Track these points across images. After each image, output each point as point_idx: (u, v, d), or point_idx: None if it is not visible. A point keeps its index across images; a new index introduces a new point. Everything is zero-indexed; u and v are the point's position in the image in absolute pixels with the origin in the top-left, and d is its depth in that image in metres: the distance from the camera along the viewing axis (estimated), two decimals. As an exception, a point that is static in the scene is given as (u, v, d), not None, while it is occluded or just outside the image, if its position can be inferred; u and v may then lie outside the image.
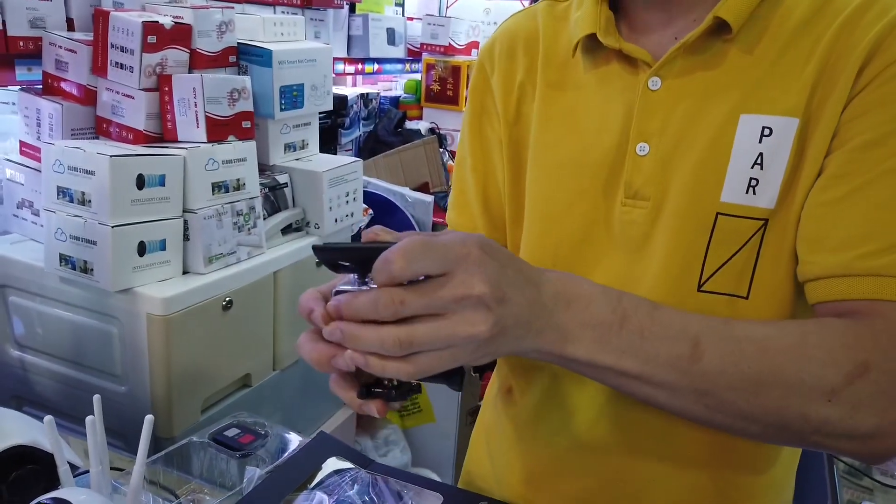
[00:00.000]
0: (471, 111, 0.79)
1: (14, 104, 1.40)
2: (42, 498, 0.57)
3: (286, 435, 0.84)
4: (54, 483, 0.65)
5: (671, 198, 0.64)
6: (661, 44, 0.65)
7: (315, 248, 0.47)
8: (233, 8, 1.29)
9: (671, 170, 0.64)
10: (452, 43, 2.68)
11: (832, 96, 0.58)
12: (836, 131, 0.58)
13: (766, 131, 0.60)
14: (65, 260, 1.07)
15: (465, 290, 0.45)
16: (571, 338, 0.52)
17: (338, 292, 0.47)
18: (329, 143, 2.20)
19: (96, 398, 0.65)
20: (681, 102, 0.64)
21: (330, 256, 0.48)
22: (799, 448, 0.73)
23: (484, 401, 0.89)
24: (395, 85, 2.99)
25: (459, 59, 2.67)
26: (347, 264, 0.48)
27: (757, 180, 0.60)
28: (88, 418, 0.61)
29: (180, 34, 1.19)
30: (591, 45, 0.68)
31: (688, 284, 0.63)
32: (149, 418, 0.63)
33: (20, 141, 1.22)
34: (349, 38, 2.37)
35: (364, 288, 0.46)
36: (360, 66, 2.41)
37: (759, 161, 0.60)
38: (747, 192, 0.60)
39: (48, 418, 0.61)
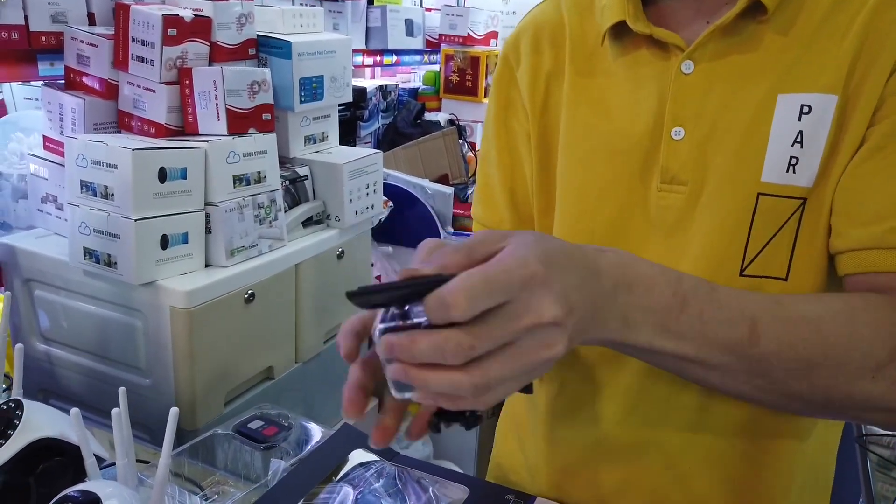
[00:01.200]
0: (495, 105, 0.78)
1: (37, 99, 1.41)
2: (69, 490, 0.57)
3: (309, 427, 0.84)
4: (81, 475, 0.65)
5: (710, 181, 0.63)
6: (692, 30, 0.65)
7: (350, 295, 0.41)
8: (252, 0, 1.29)
9: (708, 153, 0.63)
10: (471, 33, 2.66)
11: (873, 71, 0.57)
12: (879, 105, 0.57)
13: (805, 109, 0.59)
14: (89, 254, 1.07)
15: (536, 319, 0.42)
16: (633, 324, 0.51)
17: (385, 331, 0.42)
18: (348, 136, 2.19)
19: (122, 390, 0.65)
20: (715, 85, 0.63)
21: (368, 301, 0.43)
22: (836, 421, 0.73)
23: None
24: (413, 76, 2.98)
25: (478, 49, 2.65)
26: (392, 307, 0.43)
27: (797, 159, 0.60)
28: (114, 411, 0.62)
29: (200, 27, 1.19)
30: (620, 32, 0.68)
31: (730, 269, 0.63)
32: (174, 411, 0.63)
33: (43, 136, 1.22)
34: (367, 29, 2.36)
35: (415, 322, 0.41)
36: (378, 58, 2.40)
37: (798, 139, 0.59)
38: (787, 170, 0.60)
39: (74, 411, 0.61)
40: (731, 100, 0.62)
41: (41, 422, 0.66)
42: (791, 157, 0.60)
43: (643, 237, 0.67)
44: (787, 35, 0.61)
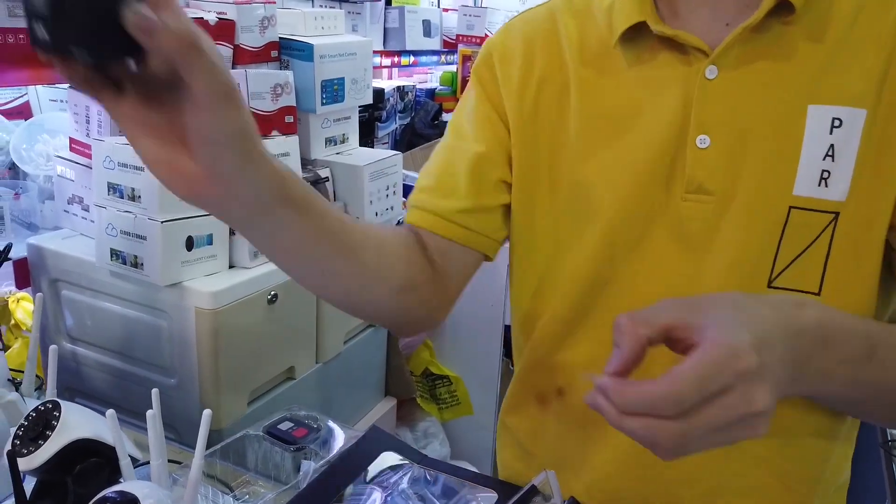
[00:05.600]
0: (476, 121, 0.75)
1: (62, 101, 1.42)
2: (107, 491, 0.57)
3: (332, 427, 0.85)
4: (115, 475, 0.66)
5: (740, 191, 0.62)
6: (710, 30, 0.62)
7: None
8: (274, 2, 1.30)
9: (737, 163, 0.62)
10: (489, 34, 2.66)
11: None
12: None
13: (836, 122, 0.58)
14: (115, 255, 1.08)
15: (747, 408, 0.43)
16: (828, 377, 0.51)
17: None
18: (366, 137, 2.20)
19: (155, 392, 0.65)
20: (742, 93, 0.61)
21: None
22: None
23: (514, 410, 0.86)
24: (430, 77, 2.99)
25: (495, 49, 2.65)
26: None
27: (829, 172, 0.59)
28: (149, 412, 0.62)
29: (224, 30, 1.19)
30: (633, 34, 0.65)
31: (758, 280, 0.62)
32: (207, 412, 0.64)
33: (70, 138, 1.24)
34: (385, 30, 2.37)
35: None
36: (396, 59, 2.41)
37: (830, 153, 0.59)
38: (819, 184, 0.59)
39: (110, 412, 0.61)
40: (759, 108, 0.61)
41: (78, 423, 0.67)
42: (823, 171, 0.59)
43: (666, 248, 0.66)
44: (813, 39, 0.59)
